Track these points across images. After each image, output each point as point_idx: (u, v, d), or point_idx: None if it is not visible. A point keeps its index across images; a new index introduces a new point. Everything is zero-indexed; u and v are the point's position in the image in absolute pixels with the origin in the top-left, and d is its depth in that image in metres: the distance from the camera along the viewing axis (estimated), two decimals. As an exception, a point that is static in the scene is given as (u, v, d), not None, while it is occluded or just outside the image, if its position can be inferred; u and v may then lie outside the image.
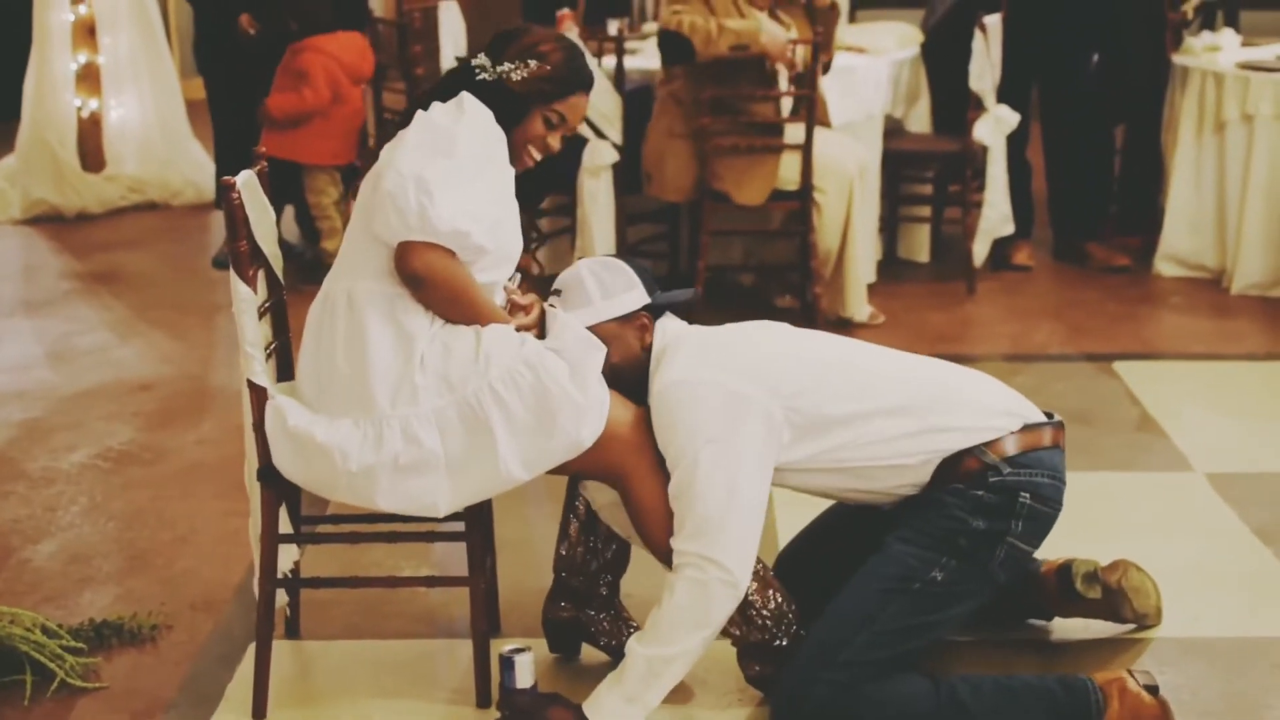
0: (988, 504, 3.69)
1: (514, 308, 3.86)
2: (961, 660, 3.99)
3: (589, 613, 4.05)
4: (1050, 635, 4.21)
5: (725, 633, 3.81)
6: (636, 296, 3.85)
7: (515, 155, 3.85)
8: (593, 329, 3.78)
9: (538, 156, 3.91)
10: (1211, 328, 7.00)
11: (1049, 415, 3.85)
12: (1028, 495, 3.71)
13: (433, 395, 3.63)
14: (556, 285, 3.89)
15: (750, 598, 3.78)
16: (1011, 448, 3.73)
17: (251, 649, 3.96)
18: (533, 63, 3.79)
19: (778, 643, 3.81)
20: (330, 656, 4.17)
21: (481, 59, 3.82)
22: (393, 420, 3.63)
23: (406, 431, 3.63)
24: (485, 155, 3.72)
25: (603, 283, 3.84)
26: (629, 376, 3.81)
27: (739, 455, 3.61)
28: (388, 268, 3.69)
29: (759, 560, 3.78)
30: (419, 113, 3.77)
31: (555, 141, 3.90)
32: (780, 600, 3.82)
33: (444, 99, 3.79)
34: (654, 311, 3.88)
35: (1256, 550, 4.71)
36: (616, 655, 4.00)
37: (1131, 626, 4.20)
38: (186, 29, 12.46)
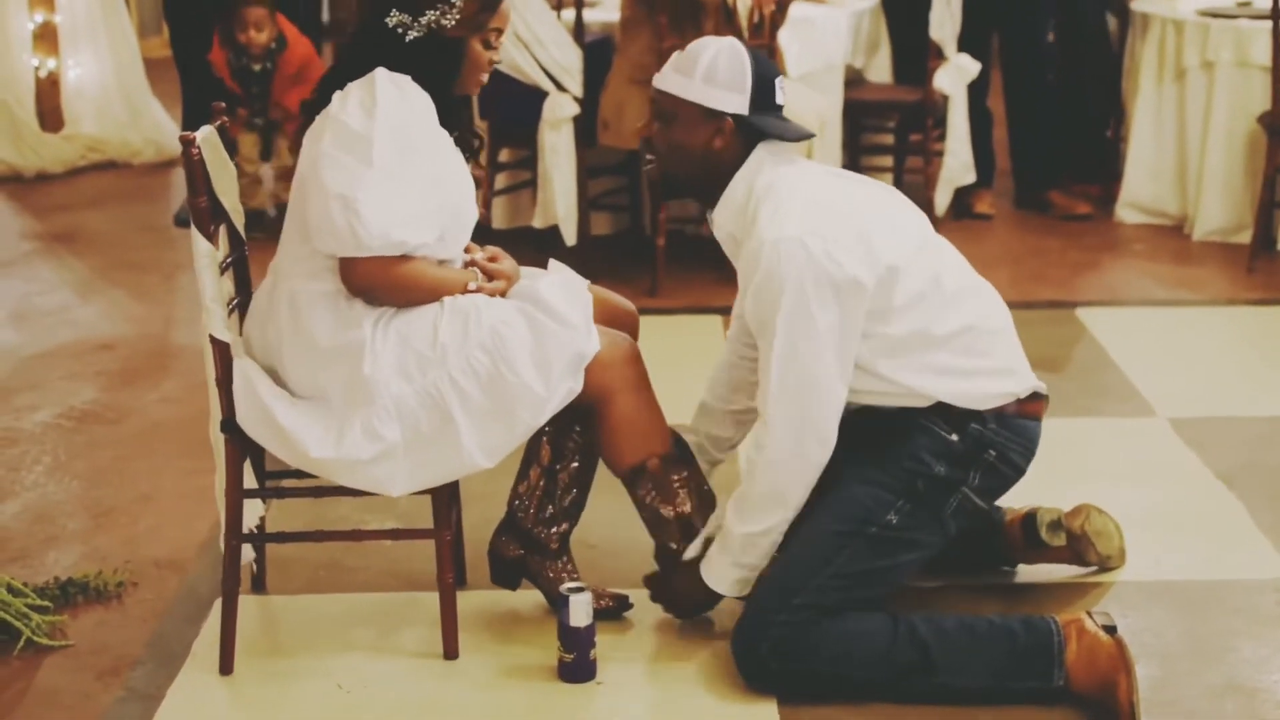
0: (954, 450, 3.72)
1: (485, 273, 3.84)
2: (926, 605, 4.00)
3: (536, 558, 4.05)
4: (1014, 579, 4.23)
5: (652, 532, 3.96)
6: (734, 101, 3.73)
7: (464, 87, 3.81)
8: (676, 100, 3.75)
9: (486, 77, 3.84)
10: (1173, 274, 7.02)
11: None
12: (994, 453, 3.75)
13: (390, 386, 3.63)
14: (691, 45, 3.80)
15: (662, 511, 3.88)
16: (1006, 408, 3.77)
17: (217, 605, 3.96)
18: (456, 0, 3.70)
19: (673, 545, 3.91)
20: (297, 611, 4.17)
21: (399, 16, 3.69)
22: (353, 420, 3.64)
23: (366, 428, 3.63)
24: (407, 144, 3.63)
25: (714, 67, 3.71)
26: (684, 168, 3.82)
27: (823, 333, 3.61)
28: (326, 265, 3.69)
29: (685, 468, 3.89)
30: (333, 102, 3.68)
31: (498, 55, 3.82)
32: (688, 509, 3.90)
33: (359, 71, 3.69)
34: (746, 128, 3.76)
35: (1219, 494, 4.73)
36: (554, 604, 3.99)
37: (1095, 569, 4.22)
38: (144, -13, 12.40)
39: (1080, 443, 5.13)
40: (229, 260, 3.95)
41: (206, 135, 3.81)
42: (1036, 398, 3.85)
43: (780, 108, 3.81)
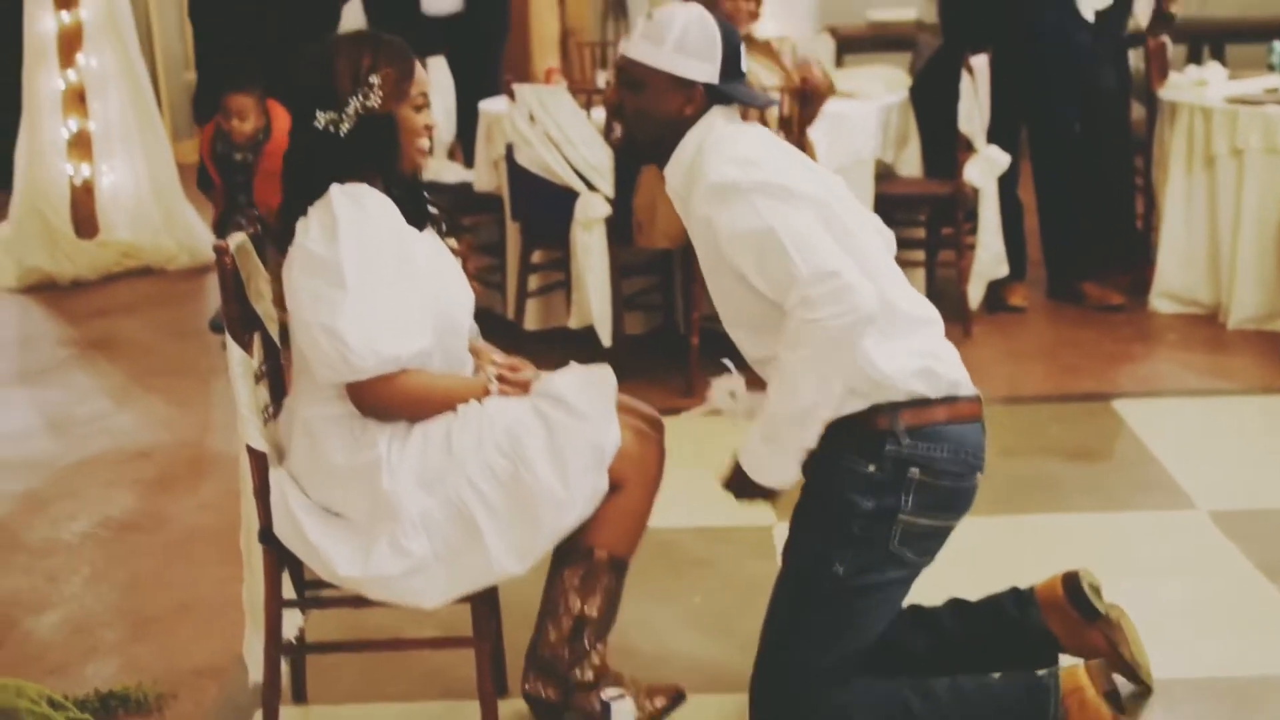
0: (876, 481, 3.69)
1: (504, 383, 3.82)
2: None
3: (576, 695, 3.93)
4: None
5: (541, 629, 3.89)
6: (705, 70, 3.79)
7: (409, 160, 3.77)
8: (647, 69, 3.79)
9: (428, 144, 3.81)
10: (1209, 363, 7.00)
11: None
12: (917, 470, 3.69)
13: (413, 499, 3.61)
14: (657, 12, 3.84)
15: (568, 600, 3.83)
16: (922, 417, 3.72)
17: (258, 716, 3.95)
18: (372, 79, 3.67)
19: (550, 638, 3.89)
20: (337, 721, 4.16)
21: (325, 116, 3.66)
22: (379, 537, 3.61)
23: (393, 545, 3.60)
24: (375, 255, 3.59)
25: (685, 37, 3.77)
26: (649, 133, 3.85)
27: (812, 218, 3.65)
28: (333, 391, 3.67)
29: (618, 580, 3.85)
30: (297, 231, 3.66)
31: (430, 117, 3.79)
32: (594, 615, 3.85)
33: (312, 191, 3.66)
34: (716, 96, 3.82)
35: (1261, 587, 4.69)
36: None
37: (1127, 675, 4.09)
38: (177, 92, 12.51)
39: (1120, 537, 5.11)
40: (264, 368, 3.96)
41: (240, 242, 3.83)
42: (954, 400, 3.79)
43: (744, 75, 3.89)
